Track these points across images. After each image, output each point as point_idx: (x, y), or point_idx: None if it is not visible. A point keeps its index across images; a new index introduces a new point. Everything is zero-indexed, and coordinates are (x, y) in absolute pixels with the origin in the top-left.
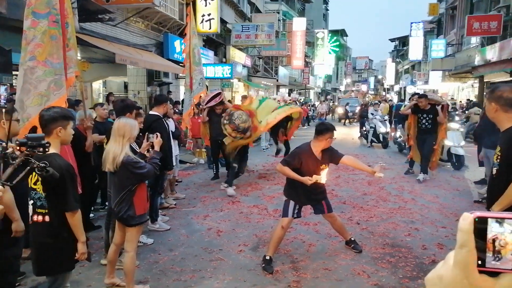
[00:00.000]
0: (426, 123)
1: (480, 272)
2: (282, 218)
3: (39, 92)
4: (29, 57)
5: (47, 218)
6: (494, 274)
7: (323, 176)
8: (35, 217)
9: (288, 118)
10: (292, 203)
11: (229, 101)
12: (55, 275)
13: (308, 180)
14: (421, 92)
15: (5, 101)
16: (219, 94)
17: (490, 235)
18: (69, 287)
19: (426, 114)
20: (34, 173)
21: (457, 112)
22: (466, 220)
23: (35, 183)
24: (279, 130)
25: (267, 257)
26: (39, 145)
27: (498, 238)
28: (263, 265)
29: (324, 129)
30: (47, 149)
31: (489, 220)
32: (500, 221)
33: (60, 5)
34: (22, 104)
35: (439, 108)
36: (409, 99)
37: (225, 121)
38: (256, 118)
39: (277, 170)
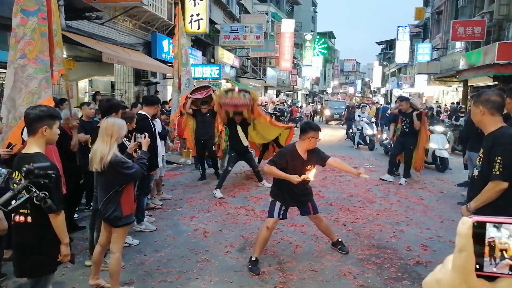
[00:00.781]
0: (405, 126)
1: (478, 276)
2: (267, 219)
3: (30, 90)
4: (19, 55)
5: (29, 219)
6: (491, 278)
7: (311, 174)
8: (17, 218)
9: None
10: (278, 203)
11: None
12: (37, 277)
13: (295, 178)
14: (407, 95)
15: None
16: (207, 87)
17: (487, 240)
18: None
19: (405, 118)
20: (17, 172)
21: (441, 115)
22: (465, 224)
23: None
24: (270, 144)
25: (253, 258)
26: (45, 175)
27: (496, 243)
28: (250, 266)
29: (307, 128)
30: (52, 180)
31: (487, 224)
32: (497, 225)
33: (47, 1)
34: (14, 103)
35: (414, 114)
36: (395, 101)
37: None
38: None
39: (265, 171)
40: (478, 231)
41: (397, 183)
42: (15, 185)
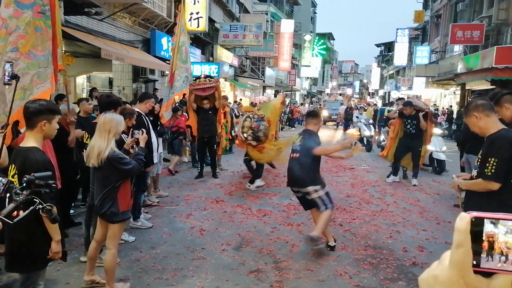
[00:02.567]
0: (411, 128)
1: (475, 272)
2: (331, 209)
3: (22, 86)
4: (10, 48)
5: (21, 213)
6: (488, 274)
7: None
8: None
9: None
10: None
11: (223, 96)
12: (26, 273)
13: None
14: (405, 97)
15: (9, 78)
16: (212, 87)
17: (484, 236)
18: (42, 285)
19: (411, 120)
20: (13, 165)
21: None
22: (463, 220)
23: (13, 176)
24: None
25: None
26: (46, 184)
27: (492, 239)
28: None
29: (318, 114)
30: (53, 190)
31: (485, 220)
32: (495, 222)
33: None
34: (4, 97)
35: (421, 115)
36: (395, 103)
37: (248, 136)
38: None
39: (320, 152)
40: (476, 228)
41: (395, 185)
42: (18, 194)
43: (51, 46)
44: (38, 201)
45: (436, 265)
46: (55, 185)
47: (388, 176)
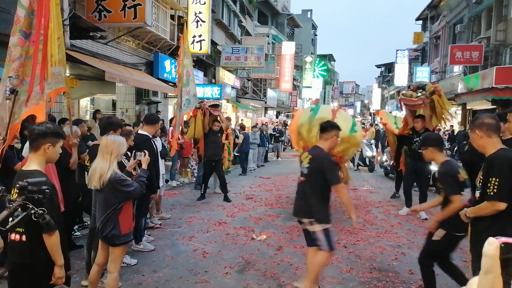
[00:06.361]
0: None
1: None
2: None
3: (15, 111)
4: (13, 74)
5: (24, 238)
6: None
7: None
8: (12, 236)
9: None
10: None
11: (227, 118)
12: None
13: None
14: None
15: (9, 93)
16: (216, 105)
17: None
18: None
19: (419, 136)
20: (14, 189)
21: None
22: (492, 245)
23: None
24: None
25: None
26: (39, 190)
27: None
28: None
29: (328, 126)
30: (47, 196)
31: None
32: None
33: (44, 17)
34: (2, 121)
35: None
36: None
37: None
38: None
39: (343, 195)
40: (505, 256)
41: (398, 206)
42: (11, 202)
43: (37, 68)
44: (30, 206)
45: None
46: (48, 190)
47: (396, 195)
